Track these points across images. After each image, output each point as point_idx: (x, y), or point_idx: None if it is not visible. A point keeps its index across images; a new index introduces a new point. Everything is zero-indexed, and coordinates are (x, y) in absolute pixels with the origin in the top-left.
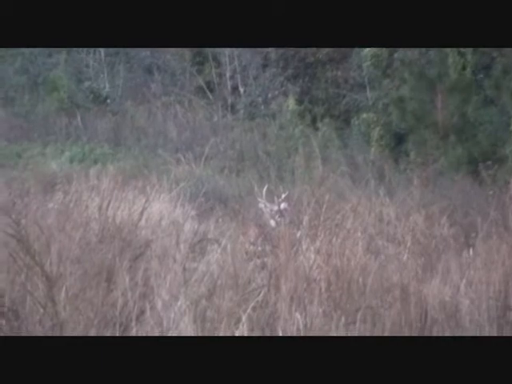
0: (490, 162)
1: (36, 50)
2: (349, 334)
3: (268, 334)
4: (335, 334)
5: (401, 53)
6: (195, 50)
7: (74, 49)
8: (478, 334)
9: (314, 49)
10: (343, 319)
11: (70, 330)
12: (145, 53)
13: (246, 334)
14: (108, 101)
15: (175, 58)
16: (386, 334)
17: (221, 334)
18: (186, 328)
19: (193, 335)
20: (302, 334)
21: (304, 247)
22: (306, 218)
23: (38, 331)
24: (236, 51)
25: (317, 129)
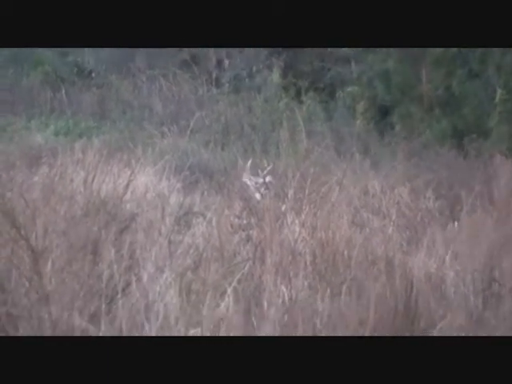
0: (474, 136)
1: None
2: (334, 306)
3: (253, 307)
4: (320, 307)
5: None
6: None
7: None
8: (463, 306)
9: None
10: (328, 291)
11: (56, 303)
12: None
13: (231, 306)
14: (93, 74)
15: None
16: (371, 306)
17: (206, 307)
18: (171, 300)
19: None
20: (287, 307)
21: (289, 220)
22: (290, 192)
23: (24, 304)
24: None
25: (301, 102)
